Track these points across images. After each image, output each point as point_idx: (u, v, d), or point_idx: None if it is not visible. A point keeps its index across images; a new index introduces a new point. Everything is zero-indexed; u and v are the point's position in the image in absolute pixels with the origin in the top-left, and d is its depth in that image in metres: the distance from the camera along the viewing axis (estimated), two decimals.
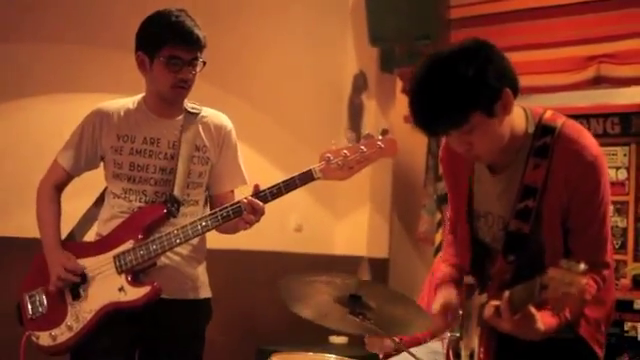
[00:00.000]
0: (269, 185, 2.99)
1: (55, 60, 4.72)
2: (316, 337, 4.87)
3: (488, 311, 2.30)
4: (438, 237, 5.78)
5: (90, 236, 3.30)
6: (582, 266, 1.94)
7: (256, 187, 2.99)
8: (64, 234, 3.22)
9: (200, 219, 2.99)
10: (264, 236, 5.53)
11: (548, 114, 2.43)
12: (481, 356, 2.43)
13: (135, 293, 2.98)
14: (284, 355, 3.69)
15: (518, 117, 2.41)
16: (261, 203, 2.95)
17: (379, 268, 6.06)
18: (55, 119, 4.61)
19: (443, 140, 2.60)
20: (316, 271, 2.83)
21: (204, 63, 3.07)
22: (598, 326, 2.49)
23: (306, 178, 2.96)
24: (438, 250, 5.67)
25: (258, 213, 2.97)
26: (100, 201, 3.25)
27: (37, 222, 3.17)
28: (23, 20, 4.63)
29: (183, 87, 3.04)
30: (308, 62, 5.94)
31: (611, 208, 2.51)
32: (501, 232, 2.48)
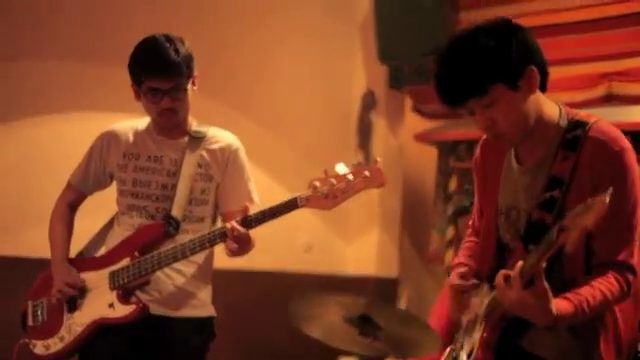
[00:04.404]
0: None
1: (65, 79, 4.74)
2: (325, 358, 4.82)
3: (498, 278, 2.19)
4: (448, 256, 5.74)
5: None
6: (608, 193, 1.94)
7: (244, 211, 3.00)
8: (75, 252, 3.32)
9: (191, 241, 3.03)
10: (274, 256, 5.52)
11: (582, 113, 2.43)
12: (479, 352, 2.34)
13: (123, 310, 3.07)
14: None
15: (551, 109, 2.40)
16: (242, 229, 2.96)
17: (388, 288, 6.02)
18: (63, 138, 4.63)
19: (480, 143, 2.62)
20: (326, 292, 2.81)
21: (186, 90, 3.09)
22: (619, 348, 2.36)
23: (290, 206, 2.98)
24: (449, 270, 5.62)
25: (242, 240, 2.96)
26: (110, 224, 3.33)
27: (48, 237, 3.29)
28: (34, 39, 4.65)
29: (169, 114, 3.10)
30: (316, 80, 5.93)
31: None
32: (524, 226, 2.42)
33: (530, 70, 2.29)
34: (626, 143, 2.33)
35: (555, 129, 2.37)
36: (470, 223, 2.74)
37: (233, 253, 3.02)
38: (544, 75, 2.35)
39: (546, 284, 2.13)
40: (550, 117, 2.38)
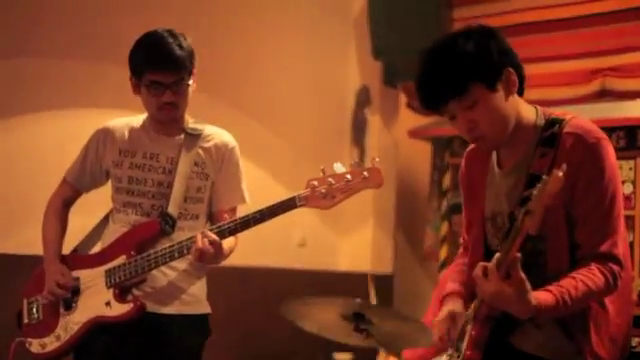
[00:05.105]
0: (259, 207, 3.00)
1: (57, 77, 4.74)
2: (320, 354, 4.83)
3: (477, 271, 2.20)
4: (443, 252, 5.75)
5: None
6: (562, 168, 2.02)
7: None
8: (69, 249, 3.29)
9: (189, 239, 3.02)
10: (267, 252, 5.52)
11: (558, 111, 2.45)
12: (467, 352, 2.34)
13: (119, 309, 3.07)
14: None
15: (528, 110, 2.42)
16: (216, 238, 2.96)
17: (383, 284, 6.02)
18: (57, 136, 4.63)
19: (464, 155, 2.64)
20: (319, 292, 2.80)
21: (187, 85, 3.09)
22: (613, 343, 2.35)
23: (289, 205, 2.97)
24: (443, 265, 5.64)
25: (215, 245, 2.97)
26: (105, 220, 3.32)
27: (42, 234, 3.27)
28: (27, 37, 4.65)
29: (169, 109, 3.09)
30: (311, 76, 5.93)
31: (622, 201, 2.37)
32: (508, 225, 2.41)
33: (508, 72, 2.33)
34: (601, 134, 2.35)
35: (533, 130, 2.40)
36: (461, 241, 2.74)
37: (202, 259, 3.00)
38: (520, 79, 2.38)
39: (523, 275, 2.13)
40: (528, 119, 2.41)
